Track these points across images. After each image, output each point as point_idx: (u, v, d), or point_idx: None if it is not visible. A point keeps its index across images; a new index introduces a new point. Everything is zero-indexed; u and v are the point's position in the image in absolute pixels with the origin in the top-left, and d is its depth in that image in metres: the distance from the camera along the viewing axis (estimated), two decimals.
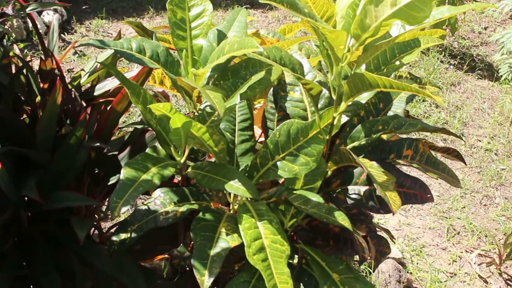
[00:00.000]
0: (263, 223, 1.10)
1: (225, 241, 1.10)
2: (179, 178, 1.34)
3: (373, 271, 2.11)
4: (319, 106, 1.29)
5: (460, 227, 2.48)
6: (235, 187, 1.10)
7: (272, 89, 1.36)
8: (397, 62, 1.20)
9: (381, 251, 1.37)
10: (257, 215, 1.11)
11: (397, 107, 1.31)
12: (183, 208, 1.19)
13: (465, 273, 2.24)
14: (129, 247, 1.16)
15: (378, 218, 2.46)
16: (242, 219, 1.09)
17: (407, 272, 2.21)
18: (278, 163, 1.19)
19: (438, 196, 2.66)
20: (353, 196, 1.28)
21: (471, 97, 3.48)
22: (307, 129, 1.18)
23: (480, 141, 3.08)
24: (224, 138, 1.16)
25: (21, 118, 1.35)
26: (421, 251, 2.32)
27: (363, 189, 1.27)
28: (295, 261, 1.24)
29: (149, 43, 1.19)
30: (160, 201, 1.21)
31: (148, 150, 1.21)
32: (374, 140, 1.23)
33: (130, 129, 1.49)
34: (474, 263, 2.27)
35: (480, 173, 2.83)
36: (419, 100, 3.30)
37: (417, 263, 2.26)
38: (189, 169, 1.19)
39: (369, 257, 1.20)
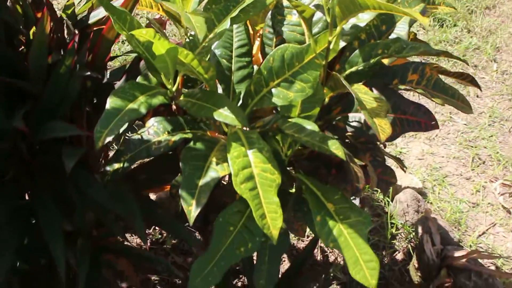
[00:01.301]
0: (253, 152, 1.07)
1: (214, 171, 1.08)
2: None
3: (391, 201, 2.08)
4: (317, 30, 1.22)
5: (486, 156, 2.40)
6: (224, 115, 1.06)
7: (270, 12, 1.30)
8: None
9: (386, 181, 1.33)
10: (247, 143, 1.08)
11: (401, 29, 1.23)
12: (176, 137, 1.16)
13: (488, 203, 2.18)
14: (123, 176, 1.15)
15: (400, 148, 2.40)
16: (231, 148, 1.06)
17: (428, 202, 2.16)
18: (273, 90, 1.15)
19: (465, 124, 2.57)
20: (354, 124, 1.23)
21: (506, 20, 3.29)
22: (302, 54, 1.12)
23: None
24: (213, 65, 1.12)
25: (19, 49, 1.33)
26: (443, 180, 2.27)
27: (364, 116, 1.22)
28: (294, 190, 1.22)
29: None
30: (154, 130, 1.19)
31: (139, 79, 1.18)
32: (373, 65, 1.17)
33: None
34: (498, 193, 2.20)
35: (511, 101, 2.71)
36: (450, 25, 3.14)
37: (439, 193, 2.21)
38: (181, 97, 1.16)
39: (365, 187, 1.15)
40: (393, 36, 1.23)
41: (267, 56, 1.14)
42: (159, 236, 1.94)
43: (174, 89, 1.16)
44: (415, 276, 1.83)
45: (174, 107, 1.26)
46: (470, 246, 2.00)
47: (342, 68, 1.23)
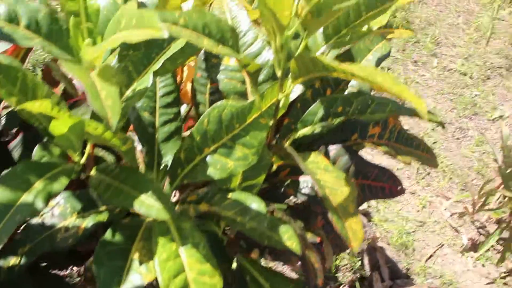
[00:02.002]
0: (186, 249, 0.84)
1: (137, 274, 0.86)
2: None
3: None
4: (261, 78, 1.00)
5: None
6: (147, 204, 0.82)
7: (202, 51, 1.06)
8: (365, 27, 0.91)
9: (340, 246, 1.15)
10: (179, 237, 0.86)
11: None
12: (88, 222, 0.92)
13: (435, 221, 2.07)
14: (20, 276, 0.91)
15: None
16: (158, 246, 0.84)
17: (373, 223, 2.02)
18: (208, 158, 0.93)
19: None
20: (305, 190, 1.03)
21: (444, 10, 3.17)
22: (244, 113, 0.91)
23: (453, 62, 2.83)
24: (130, 137, 0.88)
25: None
26: None
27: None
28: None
29: (25, 6, 0.87)
30: (59, 211, 0.94)
31: (36, 150, 0.93)
32: (333, 127, 0.97)
33: None
34: (447, 212, 2.09)
35: (453, 101, 2.60)
36: (390, 17, 2.98)
37: (384, 212, 2.07)
38: (93, 171, 0.92)
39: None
40: (353, 82, 1.03)
41: (201, 117, 0.91)
42: None
43: (82, 161, 0.91)
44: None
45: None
46: (418, 274, 1.87)
47: (293, 123, 1.02)
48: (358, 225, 0.76)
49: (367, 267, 1.76)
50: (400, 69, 2.68)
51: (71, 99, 1.11)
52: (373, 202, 2.09)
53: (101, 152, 1.05)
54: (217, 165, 0.92)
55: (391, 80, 0.66)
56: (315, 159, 0.89)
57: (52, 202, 0.93)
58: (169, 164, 0.99)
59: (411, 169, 2.25)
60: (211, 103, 1.06)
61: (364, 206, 2.02)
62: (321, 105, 0.96)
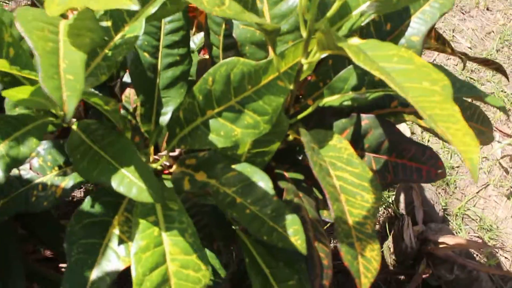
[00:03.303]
0: (171, 235, 0.72)
1: (115, 257, 0.74)
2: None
3: None
4: (285, 27, 0.81)
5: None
6: (128, 181, 0.69)
7: None
8: None
9: None
10: (164, 220, 0.73)
11: (415, 30, 0.82)
12: (68, 181, 0.81)
13: (484, 157, 1.88)
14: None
15: None
16: (138, 230, 0.71)
17: None
18: (211, 121, 0.77)
19: (469, 48, 2.17)
20: None
21: None
22: (259, 73, 0.74)
23: None
24: (114, 100, 0.72)
25: None
26: None
27: None
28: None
29: None
30: (39, 163, 0.82)
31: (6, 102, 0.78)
32: (366, 102, 0.78)
33: None
34: (500, 153, 1.89)
35: None
36: None
37: (428, 141, 1.89)
38: (74, 126, 0.78)
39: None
40: (402, 42, 0.82)
41: (205, 74, 0.75)
42: None
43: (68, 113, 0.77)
44: (389, 259, 1.58)
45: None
46: (456, 216, 1.73)
47: (321, 81, 0.84)
48: (373, 251, 0.61)
49: (402, 205, 1.62)
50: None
51: None
52: (417, 129, 1.90)
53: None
54: (221, 131, 0.77)
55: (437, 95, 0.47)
56: (338, 144, 0.72)
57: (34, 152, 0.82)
58: (165, 120, 0.84)
59: None
60: (225, 48, 0.88)
61: (407, 132, 1.84)
62: (354, 70, 0.77)
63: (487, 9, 2.31)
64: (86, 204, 0.76)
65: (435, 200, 1.69)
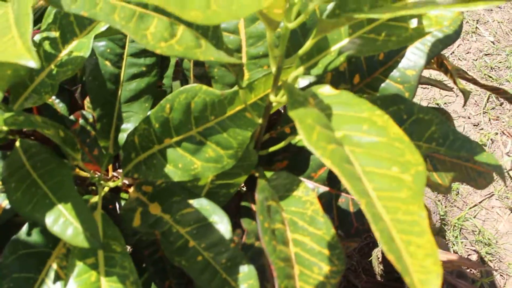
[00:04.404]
0: (110, 281, 0.64)
1: None
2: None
3: None
4: (259, 50, 0.71)
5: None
6: (64, 221, 0.61)
7: None
8: None
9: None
10: (104, 262, 0.65)
11: (411, 63, 0.72)
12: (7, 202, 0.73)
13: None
14: None
15: None
16: (73, 274, 0.64)
17: None
18: (168, 150, 0.69)
19: (491, 42, 2.03)
20: None
21: None
22: (223, 104, 0.65)
23: None
24: (55, 124, 0.64)
25: None
26: None
27: (320, 189, 0.77)
28: None
29: None
30: None
31: None
32: None
33: None
34: (510, 161, 1.78)
35: None
36: None
37: None
38: (17, 142, 0.69)
39: None
40: (395, 74, 0.72)
41: (162, 100, 0.66)
42: None
43: (6, 128, 0.69)
44: (377, 268, 1.51)
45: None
46: (454, 227, 1.64)
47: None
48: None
49: None
50: None
51: None
52: None
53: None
54: (179, 163, 0.68)
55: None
56: (303, 197, 0.63)
57: None
58: (124, 138, 0.75)
59: (481, 94, 1.90)
60: (197, 63, 0.79)
61: None
62: None
63: None
64: (23, 232, 0.69)
65: (433, 209, 1.60)
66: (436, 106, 1.82)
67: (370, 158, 0.45)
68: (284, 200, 0.64)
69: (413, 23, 0.57)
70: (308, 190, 0.64)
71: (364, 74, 0.72)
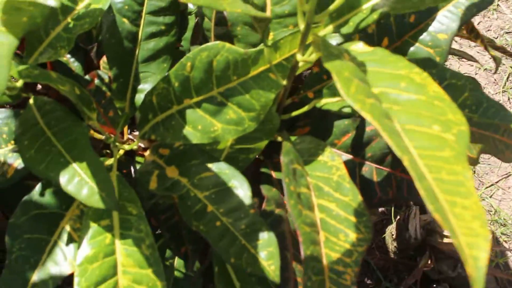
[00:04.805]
0: (125, 245, 0.62)
1: (62, 257, 0.65)
2: None
3: None
4: (286, 9, 0.68)
5: None
6: (79, 181, 0.59)
7: None
8: None
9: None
10: (120, 224, 0.63)
11: (444, 27, 0.68)
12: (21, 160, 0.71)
13: None
14: None
15: None
16: (88, 235, 0.62)
17: None
18: (187, 111, 0.66)
19: None
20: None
21: None
22: (247, 63, 0.62)
23: None
24: (70, 81, 0.61)
25: None
26: None
27: (343, 157, 0.74)
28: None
29: None
30: None
31: None
32: None
33: None
34: None
35: None
36: None
37: None
38: (31, 100, 0.67)
39: None
40: (426, 38, 0.69)
41: (183, 58, 0.63)
42: None
43: (20, 84, 0.67)
44: (390, 245, 1.48)
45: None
46: None
47: (325, 75, 0.71)
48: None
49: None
50: None
51: None
52: None
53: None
54: (198, 125, 0.65)
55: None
56: (329, 162, 0.60)
57: None
58: (141, 98, 0.72)
59: (500, 73, 1.86)
60: (218, 22, 0.76)
61: None
62: None
63: None
64: (36, 193, 0.67)
65: None
66: None
67: (409, 116, 0.42)
68: (309, 164, 0.61)
69: None
70: (334, 155, 0.61)
71: (393, 37, 0.69)
